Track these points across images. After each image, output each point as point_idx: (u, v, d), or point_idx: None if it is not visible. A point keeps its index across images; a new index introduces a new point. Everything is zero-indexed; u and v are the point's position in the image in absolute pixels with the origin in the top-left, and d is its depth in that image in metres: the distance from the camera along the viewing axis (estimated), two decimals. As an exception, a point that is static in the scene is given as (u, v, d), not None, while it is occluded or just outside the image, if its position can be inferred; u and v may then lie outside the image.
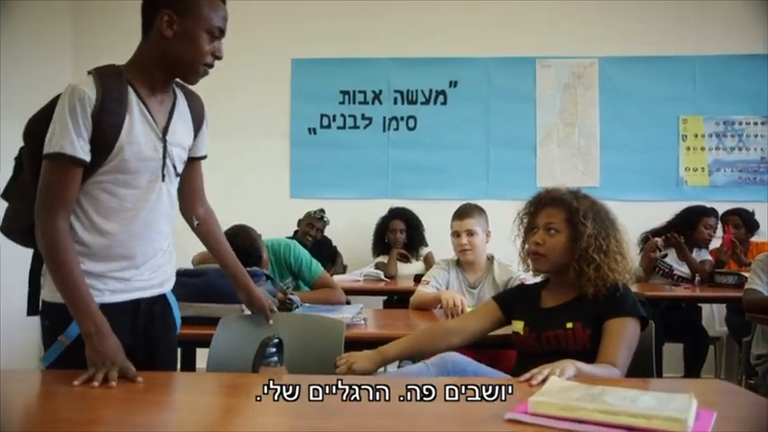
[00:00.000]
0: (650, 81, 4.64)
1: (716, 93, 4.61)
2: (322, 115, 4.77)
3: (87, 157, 1.40)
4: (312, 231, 4.21)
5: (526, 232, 1.89)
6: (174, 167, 1.54)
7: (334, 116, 4.77)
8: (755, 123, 4.59)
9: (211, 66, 1.51)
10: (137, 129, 1.44)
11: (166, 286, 1.65)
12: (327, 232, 4.37)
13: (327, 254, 4.30)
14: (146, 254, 1.55)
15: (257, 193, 4.70)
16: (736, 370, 3.77)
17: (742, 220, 4.04)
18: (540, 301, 1.88)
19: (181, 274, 2.30)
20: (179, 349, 2.19)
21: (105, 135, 1.39)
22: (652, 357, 1.87)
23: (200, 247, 1.88)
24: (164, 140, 1.49)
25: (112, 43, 4.84)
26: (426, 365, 1.67)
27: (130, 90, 1.45)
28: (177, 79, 1.54)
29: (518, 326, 1.84)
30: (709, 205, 4.25)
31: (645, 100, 4.64)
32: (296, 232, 4.29)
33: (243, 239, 2.51)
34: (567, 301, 1.82)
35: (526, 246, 1.88)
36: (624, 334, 1.68)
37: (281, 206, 4.64)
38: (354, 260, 4.43)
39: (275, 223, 4.12)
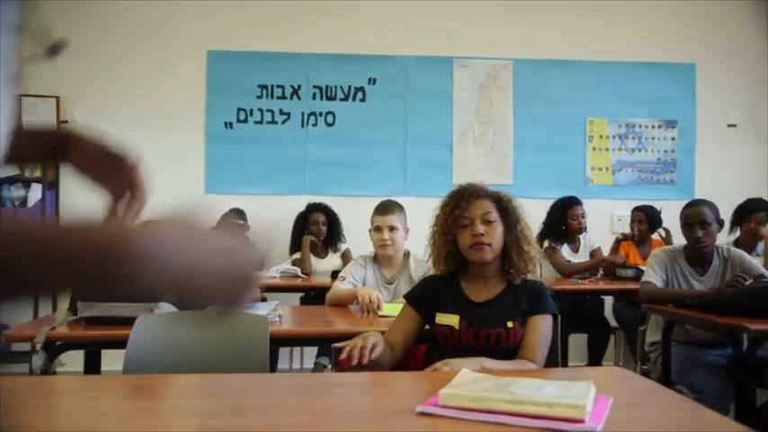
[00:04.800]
0: (560, 83, 4.84)
1: (619, 96, 4.88)
2: (239, 109, 4.67)
3: None
4: None
5: (455, 228, 1.88)
6: None
7: (252, 110, 4.68)
8: (653, 127, 4.90)
9: None
10: None
11: None
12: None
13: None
14: None
15: (170, 188, 4.53)
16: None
17: (646, 217, 4.29)
18: (465, 293, 1.90)
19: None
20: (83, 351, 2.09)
21: None
22: (558, 348, 1.96)
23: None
24: None
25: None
26: None
27: None
28: None
29: (452, 319, 1.83)
30: (612, 202, 4.52)
31: (555, 101, 4.84)
32: (211, 229, 4.17)
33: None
34: (498, 295, 1.87)
35: (462, 241, 1.87)
36: (544, 331, 1.79)
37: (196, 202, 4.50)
38: (271, 257, 4.37)
39: (189, 219, 3.98)
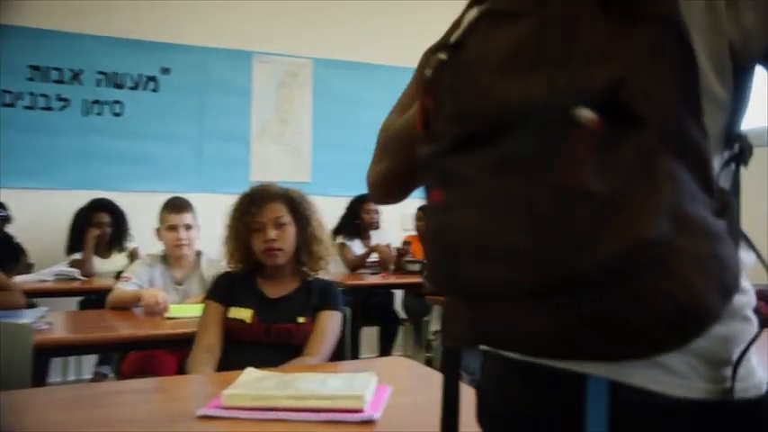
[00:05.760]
0: (359, 86, 4.98)
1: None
2: (4, 92, 4.12)
3: None
4: None
5: (247, 232, 1.88)
6: None
7: (21, 94, 4.15)
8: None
9: None
10: None
11: None
12: (9, 228, 3.79)
13: (8, 253, 3.73)
14: None
15: None
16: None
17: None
18: (260, 289, 1.89)
19: None
20: None
21: None
22: (347, 341, 2.03)
23: None
24: None
25: None
26: None
27: None
28: None
29: (244, 313, 1.81)
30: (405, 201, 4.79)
31: (354, 103, 4.96)
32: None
33: None
34: (291, 292, 1.88)
35: (255, 245, 1.87)
36: (332, 327, 1.83)
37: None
38: (43, 258, 3.91)
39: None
